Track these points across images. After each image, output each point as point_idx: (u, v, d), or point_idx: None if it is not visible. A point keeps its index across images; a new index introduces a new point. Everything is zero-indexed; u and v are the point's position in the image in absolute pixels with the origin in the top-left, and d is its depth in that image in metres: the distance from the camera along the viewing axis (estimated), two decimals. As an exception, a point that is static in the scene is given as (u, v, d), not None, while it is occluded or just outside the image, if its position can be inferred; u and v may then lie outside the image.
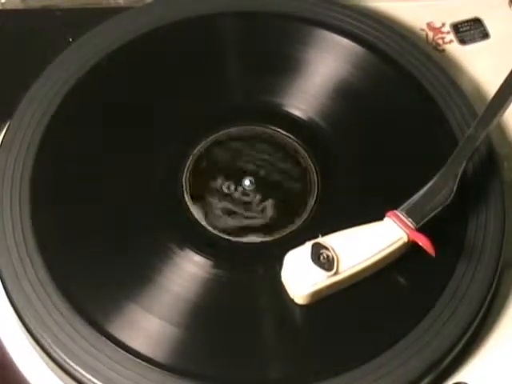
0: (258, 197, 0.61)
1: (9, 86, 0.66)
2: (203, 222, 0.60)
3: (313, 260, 0.54)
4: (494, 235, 0.59)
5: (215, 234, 0.60)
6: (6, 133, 0.62)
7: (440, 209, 0.56)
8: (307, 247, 0.55)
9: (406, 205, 0.56)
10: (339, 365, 0.54)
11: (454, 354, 0.56)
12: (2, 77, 0.67)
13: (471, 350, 0.58)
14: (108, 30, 0.66)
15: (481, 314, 0.57)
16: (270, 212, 0.60)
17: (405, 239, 0.56)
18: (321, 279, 0.54)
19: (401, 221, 0.56)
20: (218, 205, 0.61)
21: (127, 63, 0.65)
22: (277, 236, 0.59)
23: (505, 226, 0.60)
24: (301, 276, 0.55)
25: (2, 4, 0.71)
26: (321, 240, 0.55)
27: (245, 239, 0.59)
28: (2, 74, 0.67)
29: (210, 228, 0.60)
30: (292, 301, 0.56)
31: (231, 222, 0.60)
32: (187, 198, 0.61)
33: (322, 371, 0.54)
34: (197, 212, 0.60)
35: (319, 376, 0.54)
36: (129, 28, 0.66)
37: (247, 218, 0.60)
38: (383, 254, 0.55)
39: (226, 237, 0.59)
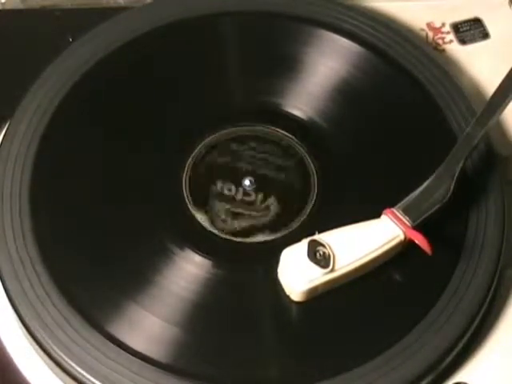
0: (259, 197, 0.61)
1: (9, 85, 0.66)
2: (203, 222, 0.60)
3: (309, 257, 0.54)
4: (494, 235, 0.59)
5: (215, 234, 0.59)
6: (6, 132, 0.62)
7: (437, 207, 0.56)
8: (304, 244, 0.55)
9: (403, 203, 0.56)
10: (339, 365, 0.54)
11: (453, 354, 0.56)
12: (1, 77, 0.67)
13: (471, 350, 0.57)
14: (108, 29, 0.66)
15: (480, 314, 0.57)
16: (269, 212, 0.60)
17: (401, 237, 0.56)
18: (317, 276, 0.54)
19: (397, 218, 0.56)
20: (217, 204, 0.61)
21: (127, 63, 0.65)
22: (277, 235, 0.59)
23: (505, 225, 0.59)
24: (297, 273, 0.55)
25: (2, 4, 0.71)
26: (317, 237, 0.55)
27: (244, 239, 0.59)
28: (1, 73, 0.67)
29: (210, 228, 0.60)
30: (288, 298, 0.56)
31: (231, 222, 0.60)
32: (187, 198, 0.61)
33: (322, 371, 0.54)
34: (197, 212, 0.60)
35: (319, 376, 0.54)
36: (129, 28, 0.66)
37: (246, 217, 0.60)
38: (380, 251, 0.55)
39: (226, 236, 0.59)
